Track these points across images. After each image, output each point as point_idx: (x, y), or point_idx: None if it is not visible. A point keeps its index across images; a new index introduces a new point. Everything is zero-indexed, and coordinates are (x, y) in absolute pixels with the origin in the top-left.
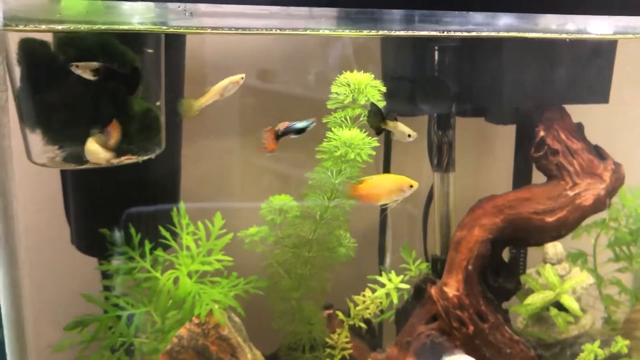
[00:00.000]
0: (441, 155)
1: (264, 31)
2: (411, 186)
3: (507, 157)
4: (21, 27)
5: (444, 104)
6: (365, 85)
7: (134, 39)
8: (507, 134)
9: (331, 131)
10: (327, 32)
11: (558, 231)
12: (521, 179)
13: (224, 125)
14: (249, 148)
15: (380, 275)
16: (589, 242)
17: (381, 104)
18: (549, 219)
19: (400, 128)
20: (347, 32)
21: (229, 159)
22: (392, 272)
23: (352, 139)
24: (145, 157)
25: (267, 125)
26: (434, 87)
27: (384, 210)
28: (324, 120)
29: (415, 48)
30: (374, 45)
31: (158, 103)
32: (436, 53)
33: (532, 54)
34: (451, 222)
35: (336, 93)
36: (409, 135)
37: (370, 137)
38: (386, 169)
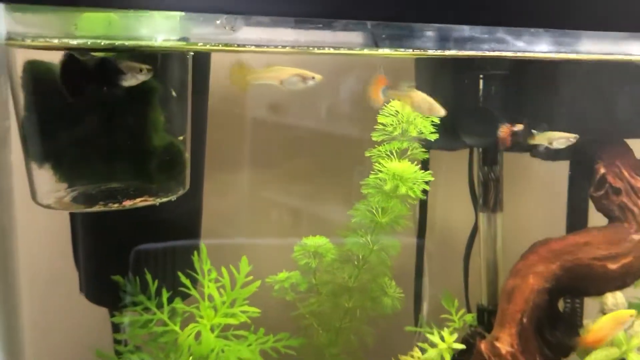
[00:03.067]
0: (487, 194)
1: (315, 49)
2: None
3: (558, 197)
4: (28, 42)
5: (491, 138)
6: (414, 116)
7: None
8: (558, 170)
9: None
10: (365, 51)
11: (622, 280)
12: (576, 221)
13: (243, 157)
14: (275, 182)
15: (417, 325)
16: None
17: (434, 137)
18: (612, 266)
19: (557, 135)
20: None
21: (250, 193)
22: (444, 330)
23: (403, 171)
24: (165, 199)
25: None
26: (481, 118)
27: (420, 251)
28: (368, 154)
29: (457, 74)
30: (408, 68)
31: (182, 137)
32: (481, 81)
33: (587, 81)
34: (499, 268)
35: (382, 124)
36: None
37: (422, 171)
38: (422, 210)
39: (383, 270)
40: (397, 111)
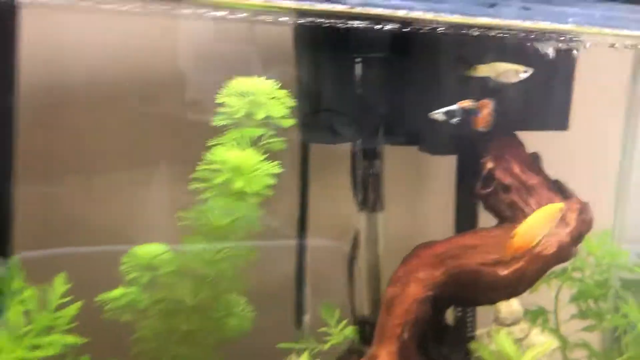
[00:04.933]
0: (367, 191)
1: None
2: None
3: (447, 194)
4: None
5: (369, 129)
6: (266, 96)
7: None
8: (446, 166)
9: None
10: None
11: (514, 287)
12: (465, 221)
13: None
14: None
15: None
16: (549, 296)
17: (288, 123)
18: (503, 272)
19: (503, 67)
20: None
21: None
22: (304, 354)
23: (241, 162)
24: None
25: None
26: (358, 107)
27: (301, 257)
28: (210, 144)
29: (331, 57)
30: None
31: None
32: (357, 65)
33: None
34: (381, 274)
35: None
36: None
37: (271, 162)
38: (303, 208)
39: (231, 285)
40: (242, 92)
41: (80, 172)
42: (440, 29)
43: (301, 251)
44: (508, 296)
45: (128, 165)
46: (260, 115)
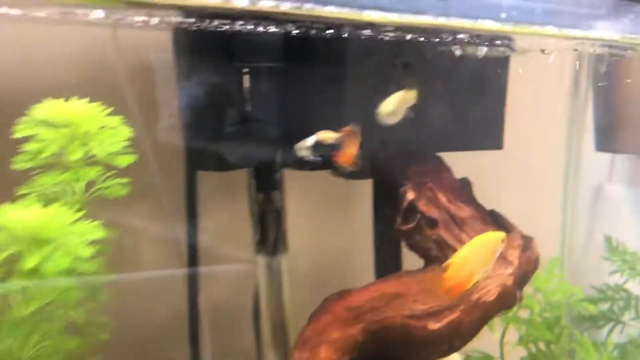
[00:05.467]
0: (265, 230)
1: None
2: None
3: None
4: None
5: (261, 152)
6: (95, 125)
7: None
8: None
9: None
10: None
11: (450, 342)
12: (385, 262)
13: None
14: None
15: None
16: (493, 340)
17: (125, 161)
18: (435, 326)
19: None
20: None
21: None
22: None
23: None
24: None
25: None
26: (245, 127)
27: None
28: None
29: (215, 67)
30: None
31: None
32: (245, 77)
33: (383, 72)
34: (288, 331)
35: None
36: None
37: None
38: (192, 255)
39: None
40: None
41: None
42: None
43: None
44: (443, 354)
45: None
46: (78, 154)
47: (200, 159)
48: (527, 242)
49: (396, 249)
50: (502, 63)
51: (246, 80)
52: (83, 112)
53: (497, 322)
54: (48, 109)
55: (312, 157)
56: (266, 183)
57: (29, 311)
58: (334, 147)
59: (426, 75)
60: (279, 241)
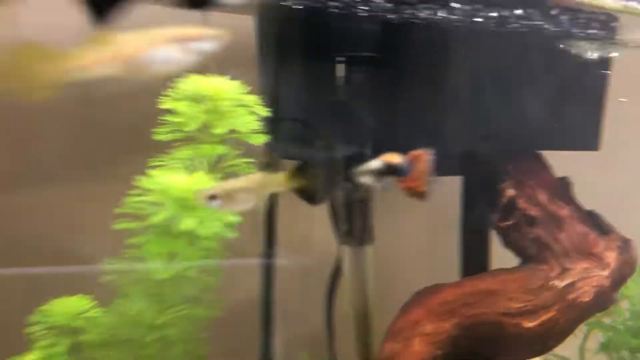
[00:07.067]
0: (352, 220)
1: None
2: None
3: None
4: None
5: (354, 144)
6: (230, 102)
7: None
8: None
9: None
10: None
11: (543, 342)
12: (473, 259)
13: None
14: None
15: None
16: (573, 345)
17: (261, 139)
18: (529, 324)
19: None
20: None
21: None
22: None
23: (188, 191)
24: None
25: None
26: (340, 117)
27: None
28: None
29: (310, 56)
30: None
31: None
32: (339, 66)
33: (489, 69)
34: (371, 321)
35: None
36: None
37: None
38: (269, 240)
39: (190, 349)
40: (196, 94)
41: None
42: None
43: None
44: (535, 353)
45: None
46: (221, 129)
47: (284, 146)
48: (625, 245)
49: (485, 246)
50: (604, 61)
51: (341, 70)
52: (225, 88)
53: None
54: (193, 84)
55: (375, 183)
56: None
57: (168, 275)
58: (401, 171)
59: (532, 71)
60: (365, 232)
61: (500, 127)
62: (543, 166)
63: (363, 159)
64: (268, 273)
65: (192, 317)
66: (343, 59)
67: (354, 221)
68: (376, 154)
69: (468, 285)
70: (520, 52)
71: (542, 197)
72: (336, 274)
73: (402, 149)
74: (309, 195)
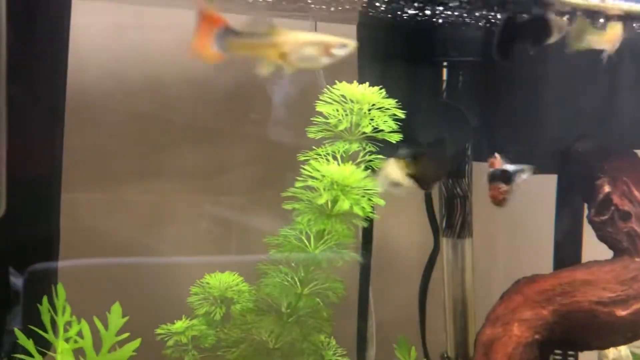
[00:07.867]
0: (452, 214)
1: None
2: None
3: (544, 220)
4: None
5: (457, 143)
6: (369, 105)
7: None
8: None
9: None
10: None
11: (634, 330)
12: (567, 251)
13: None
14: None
15: None
16: None
17: (395, 137)
18: (621, 313)
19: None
20: None
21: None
22: None
23: (345, 177)
24: None
25: None
26: (443, 117)
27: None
28: (302, 158)
29: (413, 59)
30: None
31: None
32: (444, 70)
33: (585, 69)
34: (468, 309)
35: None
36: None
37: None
38: (367, 232)
39: (319, 324)
40: (342, 96)
41: None
42: None
43: (365, 278)
44: (626, 340)
45: None
46: (367, 126)
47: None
48: None
49: (578, 240)
50: None
51: (444, 73)
52: (367, 93)
53: None
54: (343, 89)
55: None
56: (457, 170)
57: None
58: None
59: (628, 71)
60: (465, 226)
61: (596, 126)
62: (637, 164)
63: (465, 157)
64: (366, 261)
65: (323, 296)
66: (446, 63)
67: (455, 214)
68: (476, 153)
69: (564, 276)
70: (617, 52)
71: (636, 193)
72: (431, 263)
73: (501, 149)
74: (422, 181)
